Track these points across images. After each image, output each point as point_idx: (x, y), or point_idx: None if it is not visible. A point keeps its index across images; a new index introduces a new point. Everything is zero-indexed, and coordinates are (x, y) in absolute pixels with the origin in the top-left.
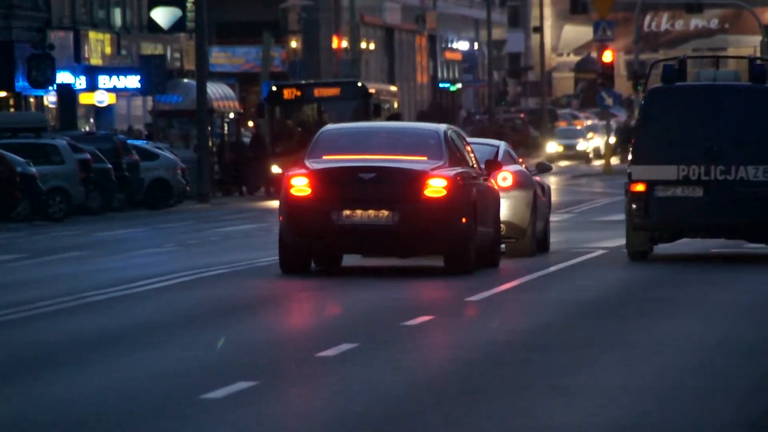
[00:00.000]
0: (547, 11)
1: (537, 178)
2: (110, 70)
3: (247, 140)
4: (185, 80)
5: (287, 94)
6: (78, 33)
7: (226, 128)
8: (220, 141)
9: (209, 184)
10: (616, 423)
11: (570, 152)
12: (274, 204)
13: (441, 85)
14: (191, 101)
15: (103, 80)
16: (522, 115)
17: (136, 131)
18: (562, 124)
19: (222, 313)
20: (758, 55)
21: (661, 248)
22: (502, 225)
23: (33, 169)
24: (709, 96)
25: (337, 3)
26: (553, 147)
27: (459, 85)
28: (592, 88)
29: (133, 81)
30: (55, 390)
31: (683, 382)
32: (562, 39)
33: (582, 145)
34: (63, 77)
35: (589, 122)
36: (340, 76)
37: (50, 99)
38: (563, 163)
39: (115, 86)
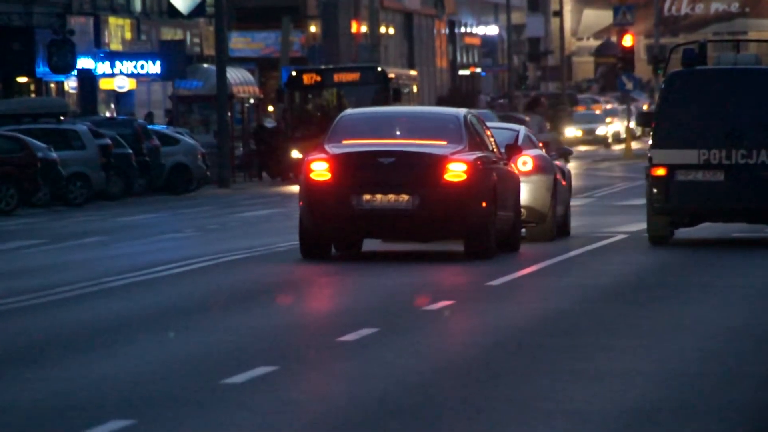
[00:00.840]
0: None
1: (557, 162)
2: (130, 56)
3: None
4: (205, 65)
5: (307, 79)
6: (98, 18)
7: (246, 113)
8: (258, 126)
9: (229, 168)
10: (636, 407)
11: (589, 137)
12: (294, 189)
13: (461, 72)
14: (211, 86)
15: (124, 65)
16: (542, 100)
17: (148, 116)
18: (580, 109)
19: (241, 298)
20: None
21: (682, 233)
22: (522, 209)
23: (54, 155)
24: (730, 80)
25: None
26: (572, 132)
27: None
28: (612, 72)
29: (153, 66)
30: (75, 375)
31: (703, 366)
32: (582, 23)
33: (601, 130)
34: (83, 62)
35: (608, 106)
36: (359, 61)
37: (71, 84)
38: (582, 148)
39: (135, 71)
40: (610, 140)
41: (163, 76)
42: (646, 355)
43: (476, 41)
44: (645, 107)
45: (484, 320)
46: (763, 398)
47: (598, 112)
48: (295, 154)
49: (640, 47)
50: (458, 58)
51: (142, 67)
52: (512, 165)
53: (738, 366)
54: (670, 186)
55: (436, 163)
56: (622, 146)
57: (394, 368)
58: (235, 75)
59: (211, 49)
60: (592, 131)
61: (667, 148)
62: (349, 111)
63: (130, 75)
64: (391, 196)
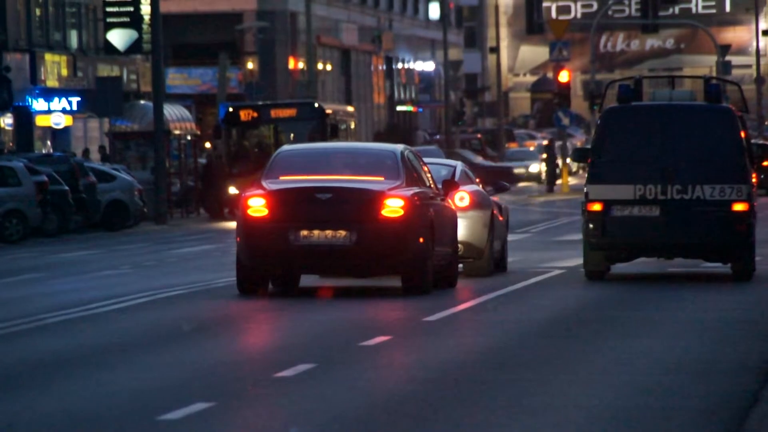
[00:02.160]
0: (504, 32)
1: (494, 198)
2: (66, 92)
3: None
4: (142, 102)
5: (244, 115)
6: (34, 55)
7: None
8: (207, 162)
9: (166, 204)
10: None
11: (522, 174)
12: (231, 225)
13: (399, 107)
14: (148, 123)
15: (60, 102)
16: (479, 136)
17: (84, 153)
18: (513, 146)
19: (179, 335)
20: (714, 74)
21: (618, 268)
22: (459, 245)
23: None
24: (665, 116)
25: (293, 24)
26: None
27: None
28: (549, 108)
29: (89, 103)
30: (10, 412)
31: (639, 401)
32: (518, 59)
33: (534, 167)
34: (19, 99)
35: (544, 142)
36: (297, 97)
37: (6, 121)
38: (520, 184)
39: (71, 108)
40: (543, 177)
41: (99, 113)
42: (583, 390)
43: (414, 77)
44: (579, 143)
45: (421, 355)
46: None
47: (531, 148)
48: (233, 190)
49: (576, 83)
50: (396, 94)
51: (78, 103)
52: (449, 200)
53: (675, 401)
54: (606, 221)
55: (374, 198)
56: (558, 182)
57: (331, 404)
58: (172, 111)
59: (148, 85)
60: (525, 168)
61: (603, 183)
62: (286, 147)
63: (67, 111)
64: (329, 232)
